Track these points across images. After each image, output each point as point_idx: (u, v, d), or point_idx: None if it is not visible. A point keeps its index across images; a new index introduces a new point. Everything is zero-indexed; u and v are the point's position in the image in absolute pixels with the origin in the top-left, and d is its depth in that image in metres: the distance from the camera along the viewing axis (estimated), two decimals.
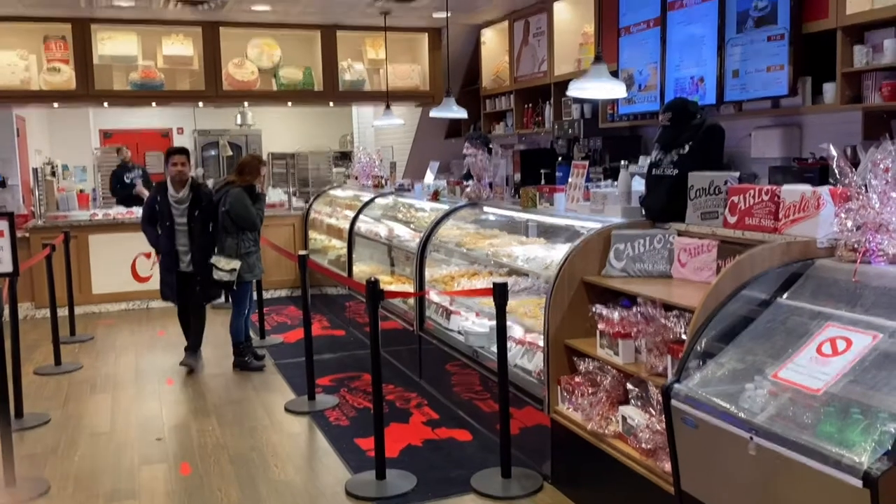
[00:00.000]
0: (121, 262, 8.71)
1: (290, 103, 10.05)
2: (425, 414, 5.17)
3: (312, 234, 9.24)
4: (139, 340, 7.42)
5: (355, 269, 7.48)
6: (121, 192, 10.21)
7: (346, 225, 7.71)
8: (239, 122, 14.59)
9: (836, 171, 2.90)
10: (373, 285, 4.05)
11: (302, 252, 5.75)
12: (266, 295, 8.30)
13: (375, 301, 4.05)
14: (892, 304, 2.58)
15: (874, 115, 4.82)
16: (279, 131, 15.39)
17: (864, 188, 2.80)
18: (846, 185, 2.88)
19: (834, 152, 2.94)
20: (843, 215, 2.89)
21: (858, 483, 2.12)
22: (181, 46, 9.06)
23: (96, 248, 8.64)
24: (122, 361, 6.71)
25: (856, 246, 2.83)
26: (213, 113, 14.27)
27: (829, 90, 4.92)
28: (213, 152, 15.30)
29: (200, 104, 9.96)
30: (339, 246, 8.07)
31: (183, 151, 6.35)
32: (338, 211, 8.68)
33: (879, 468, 2.10)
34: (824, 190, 3.19)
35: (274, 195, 9.73)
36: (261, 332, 7.30)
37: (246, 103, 11.78)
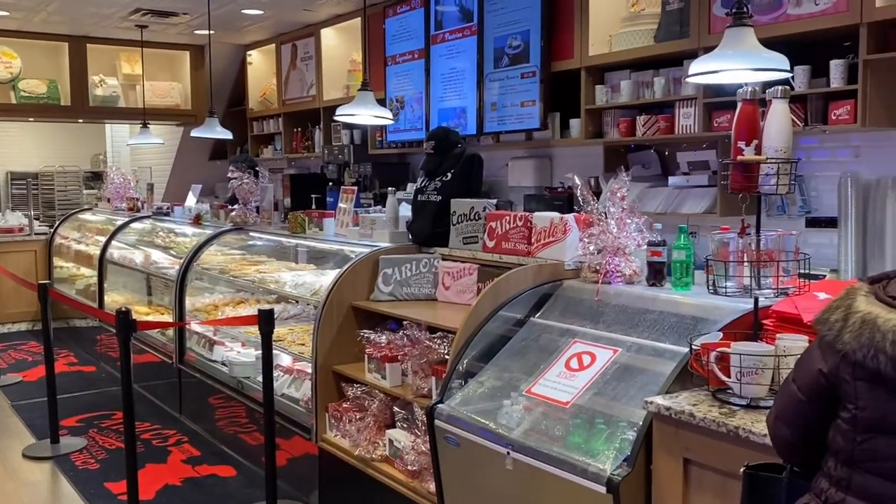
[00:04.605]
0: None
1: (31, 118, 9.15)
2: (185, 451, 4.87)
3: (58, 262, 8.42)
4: None
5: (107, 298, 6.91)
6: None
7: (96, 251, 7.11)
8: None
9: (580, 199, 3.15)
10: (123, 315, 3.77)
11: (43, 281, 5.21)
12: (3, 329, 7.43)
13: (126, 333, 3.77)
14: (629, 321, 2.82)
15: (613, 148, 5.30)
16: (20, 148, 13.89)
17: (604, 215, 3.06)
18: (589, 213, 3.13)
19: (578, 182, 3.19)
20: (586, 240, 3.14)
21: (602, 489, 2.28)
22: None
23: None
24: None
25: (597, 268, 3.07)
26: None
27: (575, 125, 5.35)
28: None
29: None
30: (89, 274, 7.42)
31: None
32: (87, 236, 7.98)
33: (620, 474, 2.27)
34: (570, 217, 3.43)
35: (12, 219, 8.76)
36: None
37: None
